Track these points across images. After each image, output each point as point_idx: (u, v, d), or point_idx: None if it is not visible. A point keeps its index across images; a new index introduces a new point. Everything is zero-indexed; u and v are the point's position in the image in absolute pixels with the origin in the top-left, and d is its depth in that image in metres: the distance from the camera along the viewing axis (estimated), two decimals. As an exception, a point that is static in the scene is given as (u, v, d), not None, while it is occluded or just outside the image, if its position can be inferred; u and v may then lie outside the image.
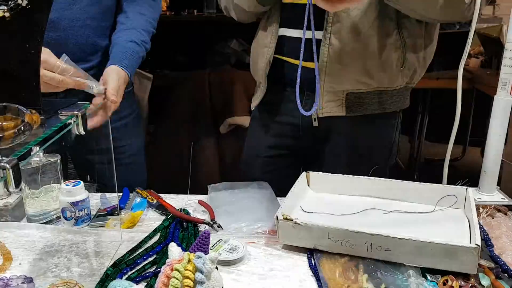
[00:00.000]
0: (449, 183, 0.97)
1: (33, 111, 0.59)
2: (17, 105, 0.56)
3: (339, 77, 1.01)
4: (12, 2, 0.61)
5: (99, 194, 1.03)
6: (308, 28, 0.98)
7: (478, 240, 0.72)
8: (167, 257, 0.64)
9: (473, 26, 0.93)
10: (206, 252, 0.65)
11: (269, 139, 1.19)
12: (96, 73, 1.13)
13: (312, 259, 0.79)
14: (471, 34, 0.92)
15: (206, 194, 1.04)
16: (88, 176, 1.05)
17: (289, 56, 1.08)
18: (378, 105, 1.08)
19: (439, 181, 0.98)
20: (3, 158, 0.47)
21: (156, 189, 1.05)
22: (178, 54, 2.43)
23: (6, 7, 0.61)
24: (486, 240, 0.83)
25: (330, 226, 0.78)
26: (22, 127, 0.53)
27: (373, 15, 0.97)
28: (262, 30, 1.13)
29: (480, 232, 0.86)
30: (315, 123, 1.08)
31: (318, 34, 0.99)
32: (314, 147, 1.15)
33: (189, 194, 1.04)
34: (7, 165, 0.46)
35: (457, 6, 0.92)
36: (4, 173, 0.46)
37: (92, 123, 0.89)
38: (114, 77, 0.99)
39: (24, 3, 0.61)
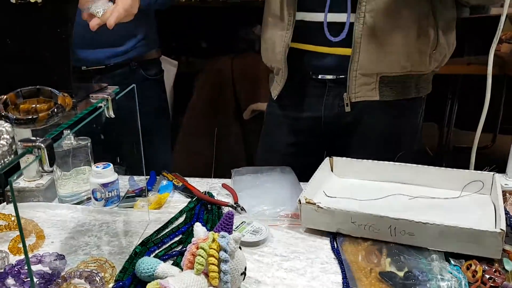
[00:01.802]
0: (478, 170, 0.95)
1: (66, 94, 0.61)
2: (50, 88, 0.58)
3: (373, 59, 0.98)
4: (44, -12, 0.63)
5: (127, 177, 1.06)
6: (333, 10, 0.96)
7: (503, 225, 0.71)
8: (193, 237, 0.66)
9: (505, 9, 0.90)
10: (230, 232, 0.67)
11: (289, 136, 1.16)
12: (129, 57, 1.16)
13: (335, 243, 0.80)
14: (503, 18, 0.90)
15: (230, 178, 1.06)
16: (118, 158, 1.08)
17: (309, 43, 1.05)
18: (410, 90, 1.06)
19: (467, 168, 0.97)
20: (38, 138, 0.50)
21: (182, 174, 1.07)
22: (202, 40, 2.44)
23: (38, -7, 0.63)
24: (511, 225, 0.82)
25: (353, 210, 0.78)
26: (55, 109, 0.55)
27: None
28: (274, 17, 1.07)
29: (506, 217, 0.85)
30: (348, 108, 1.05)
31: (343, 17, 0.97)
32: (339, 134, 1.13)
33: (214, 178, 1.05)
34: (42, 145, 0.48)
35: None
36: (39, 152, 0.48)
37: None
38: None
39: (55, -11, 0.63)
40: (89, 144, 0.95)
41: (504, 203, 0.90)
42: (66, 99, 0.59)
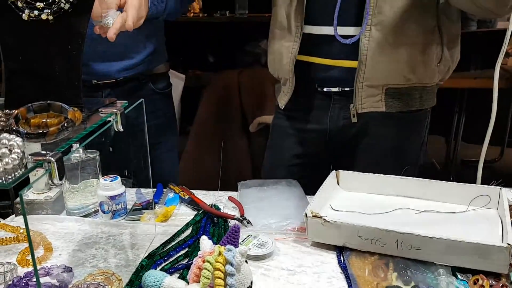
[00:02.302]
0: (485, 184, 0.95)
1: (75, 108, 0.62)
2: (60, 103, 0.59)
3: (379, 71, 1.00)
4: (55, 5, 0.65)
5: (134, 189, 1.07)
6: (340, 24, 0.97)
7: (510, 240, 0.71)
8: (199, 250, 0.66)
9: (511, 23, 0.91)
10: (236, 246, 0.67)
11: (294, 147, 1.18)
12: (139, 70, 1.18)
13: (342, 257, 0.80)
14: (509, 32, 0.90)
15: (236, 191, 1.06)
16: (126, 171, 1.10)
17: (315, 55, 1.07)
18: (415, 101, 1.07)
19: (475, 182, 0.97)
20: (48, 152, 0.51)
21: (188, 186, 1.08)
22: (210, 54, 2.47)
23: (49, 11, 0.65)
24: (520, 241, 0.81)
25: (359, 224, 0.78)
26: (66, 123, 0.56)
27: (415, 9, 0.96)
28: (281, 28, 1.09)
29: (514, 232, 0.84)
30: (354, 119, 1.06)
31: (350, 31, 0.99)
32: (344, 146, 1.14)
33: (220, 190, 1.06)
34: (52, 159, 0.49)
35: None
36: (49, 166, 0.49)
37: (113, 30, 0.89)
38: (136, 4, 0.95)
39: (66, 7, 0.65)
40: (97, 157, 0.96)
41: (511, 217, 0.90)
42: (76, 113, 0.60)
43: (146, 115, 1.29)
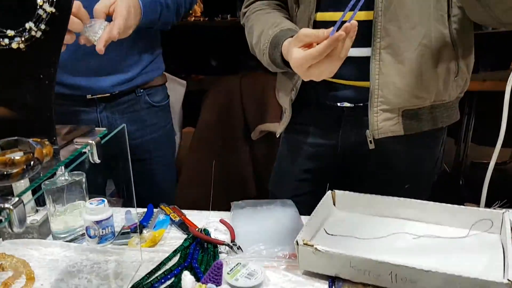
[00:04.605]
0: (497, 187, 0.90)
1: (46, 142, 0.59)
2: (29, 140, 0.56)
3: (393, 94, 0.94)
4: (27, 33, 0.62)
5: (125, 209, 1.04)
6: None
7: (510, 275, 0.66)
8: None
9: None
10: (218, 283, 0.64)
11: (305, 162, 1.13)
12: (134, 84, 1.16)
13: (334, 287, 0.76)
14: None
15: (240, 200, 1.04)
16: (116, 191, 1.07)
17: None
18: (437, 120, 1.01)
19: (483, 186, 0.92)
20: (9, 197, 0.48)
21: (189, 196, 1.04)
22: (211, 59, 2.44)
23: (21, 39, 0.62)
24: (523, 270, 0.77)
25: (352, 254, 0.74)
26: (31, 162, 0.53)
27: (426, 27, 0.90)
28: None
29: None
30: (371, 146, 0.99)
31: (362, 52, 0.93)
32: (356, 162, 1.08)
33: (212, 211, 1.03)
34: (11, 206, 0.46)
35: None
36: (8, 214, 0.46)
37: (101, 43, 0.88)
38: (124, 13, 0.94)
39: (38, 35, 0.62)
40: (83, 179, 0.93)
41: (515, 242, 0.86)
42: (45, 149, 0.57)
43: (141, 130, 1.27)
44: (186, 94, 2.10)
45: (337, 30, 0.73)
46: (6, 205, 0.46)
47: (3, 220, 0.46)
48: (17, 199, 0.47)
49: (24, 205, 0.48)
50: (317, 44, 0.77)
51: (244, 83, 2.09)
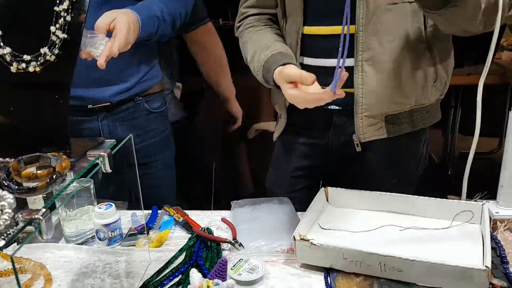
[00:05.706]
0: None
1: (64, 156, 0.66)
2: (49, 155, 0.62)
3: (376, 102, 1.01)
4: (42, 58, 0.67)
5: (130, 212, 1.10)
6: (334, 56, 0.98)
7: (488, 262, 0.73)
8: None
9: (498, 22, 0.90)
10: (224, 279, 0.71)
11: (299, 161, 1.20)
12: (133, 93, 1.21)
13: (329, 278, 0.83)
14: (497, 30, 0.89)
15: (238, 198, 1.11)
16: (121, 194, 1.13)
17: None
18: (418, 122, 1.08)
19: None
20: (37, 209, 0.54)
21: (188, 197, 1.11)
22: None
23: (36, 63, 0.67)
24: (501, 256, 0.84)
25: (345, 247, 0.81)
26: (54, 176, 0.60)
27: (405, 39, 0.97)
28: None
29: (497, 248, 0.87)
30: (358, 149, 1.08)
31: (347, 62, 0.99)
32: (346, 161, 1.15)
33: (214, 210, 1.09)
34: (41, 217, 0.52)
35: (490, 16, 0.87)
36: (38, 225, 0.52)
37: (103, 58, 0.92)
38: (124, 31, 0.97)
39: (52, 58, 0.68)
40: (91, 185, 0.99)
41: (494, 231, 0.93)
42: (63, 163, 0.63)
43: (141, 135, 1.33)
44: (182, 96, 2.15)
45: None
46: (37, 216, 0.52)
47: (34, 229, 0.52)
48: (44, 210, 0.53)
49: (51, 215, 0.55)
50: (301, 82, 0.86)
51: (238, 84, 2.14)
